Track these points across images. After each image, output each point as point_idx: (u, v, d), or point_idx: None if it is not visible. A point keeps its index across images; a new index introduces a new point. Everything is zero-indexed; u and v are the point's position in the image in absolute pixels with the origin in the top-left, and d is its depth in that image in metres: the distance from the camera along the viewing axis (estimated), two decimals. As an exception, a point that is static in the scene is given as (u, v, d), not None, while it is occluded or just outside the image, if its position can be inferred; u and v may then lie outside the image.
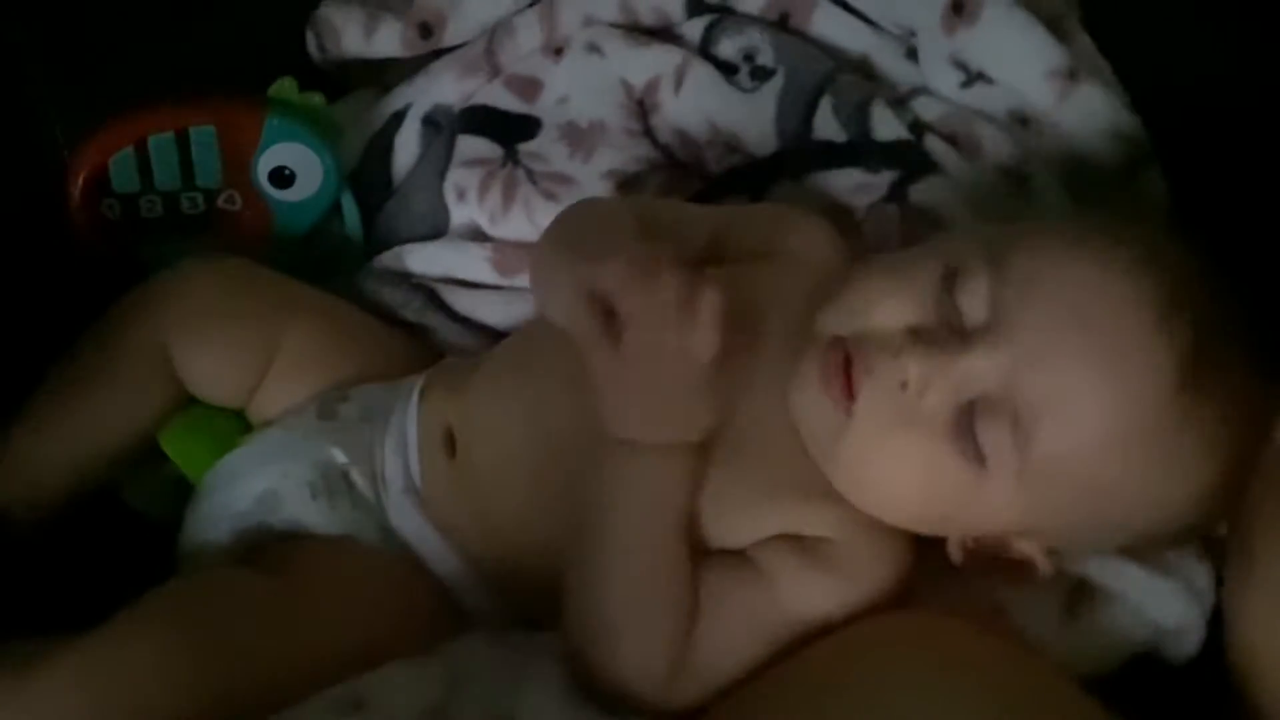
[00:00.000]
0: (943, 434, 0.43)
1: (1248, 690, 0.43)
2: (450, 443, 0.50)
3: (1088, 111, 0.54)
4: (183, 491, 0.53)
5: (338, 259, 0.61)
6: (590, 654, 0.44)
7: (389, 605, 0.48)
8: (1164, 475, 0.43)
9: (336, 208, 0.60)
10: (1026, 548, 0.45)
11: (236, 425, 0.55)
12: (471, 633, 0.47)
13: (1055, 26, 0.55)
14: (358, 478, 0.51)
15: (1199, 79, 0.54)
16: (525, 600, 0.49)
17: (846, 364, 0.44)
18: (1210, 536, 0.48)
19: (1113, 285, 0.42)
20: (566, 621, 0.45)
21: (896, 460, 0.44)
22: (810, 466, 0.46)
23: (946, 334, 0.43)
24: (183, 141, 0.57)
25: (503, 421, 0.50)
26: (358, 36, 0.62)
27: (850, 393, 0.44)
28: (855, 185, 0.55)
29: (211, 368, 0.54)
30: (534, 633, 0.47)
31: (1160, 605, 0.47)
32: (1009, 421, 0.42)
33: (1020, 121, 0.56)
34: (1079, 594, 0.47)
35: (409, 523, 0.50)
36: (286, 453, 0.51)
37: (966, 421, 0.43)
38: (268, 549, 0.49)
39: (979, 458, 0.43)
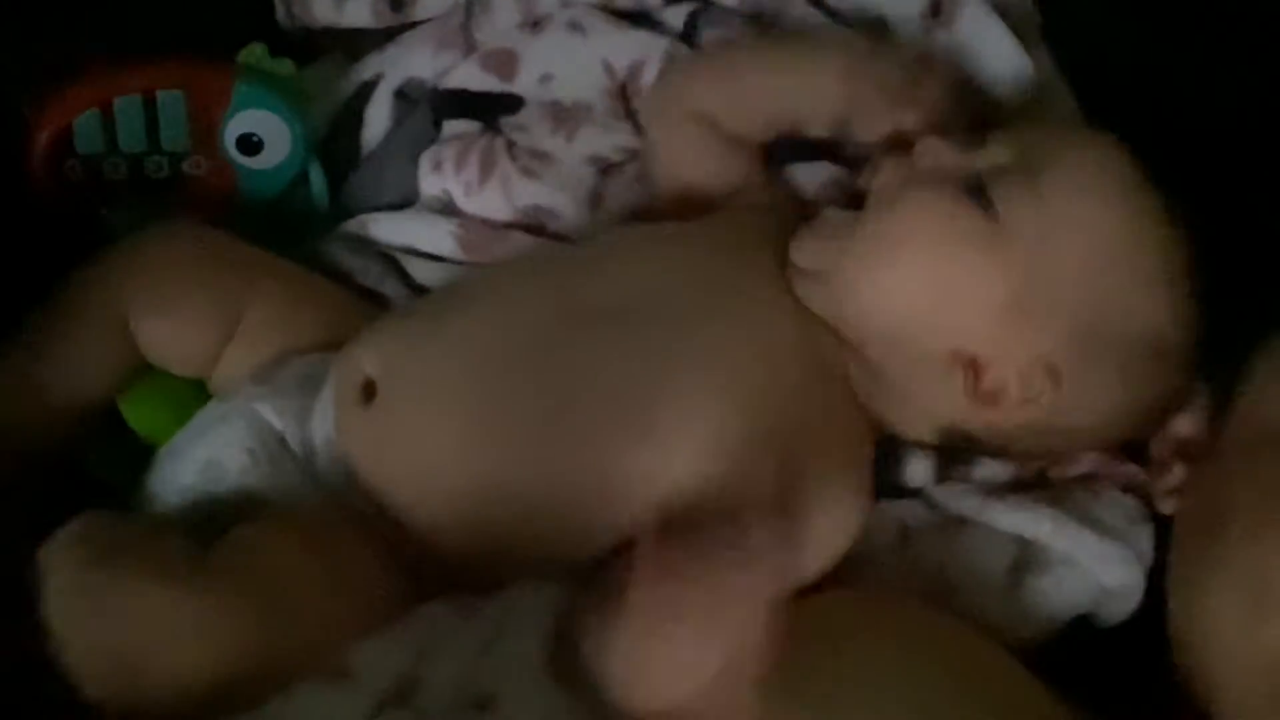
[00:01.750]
0: (954, 187, 0.47)
1: (1181, 657, 0.46)
2: (368, 392, 0.49)
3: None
4: (147, 460, 0.53)
5: (302, 227, 0.60)
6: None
7: (358, 569, 0.48)
8: (1141, 307, 0.48)
9: (303, 176, 0.60)
10: (1021, 379, 0.48)
11: (197, 392, 0.54)
12: (432, 603, 0.47)
13: (1019, 35, 0.56)
14: (292, 443, 0.50)
15: (1152, 94, 0.56)
16: (460, 560, 0.48)
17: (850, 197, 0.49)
18: (1151, 503, 0.51)
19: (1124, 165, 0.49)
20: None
21: (909, 221, 0.47)
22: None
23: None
24: (150, 104, 0.56)
25: (432, 368, 0.49)
26: (328, 5, 0.62)
27: (861, 202, 0.49)
28: (829, 179, 0.56)
29: (171, 337, 0.53)
30: (493, 598, 0.46)
31: (1106, 568, 0.49)
32: (1022, 177, 0.47)
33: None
34: (1023, 559, 0.49)
35: (339, 485, 0.49)
36: (222, 420, 0.51)
37: (978, 182, 0.48)
38: (249, 522, 0.48)
39: (991, 205, 0.47)
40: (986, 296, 0.48)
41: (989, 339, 0.48)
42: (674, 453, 0.46)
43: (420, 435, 0.48)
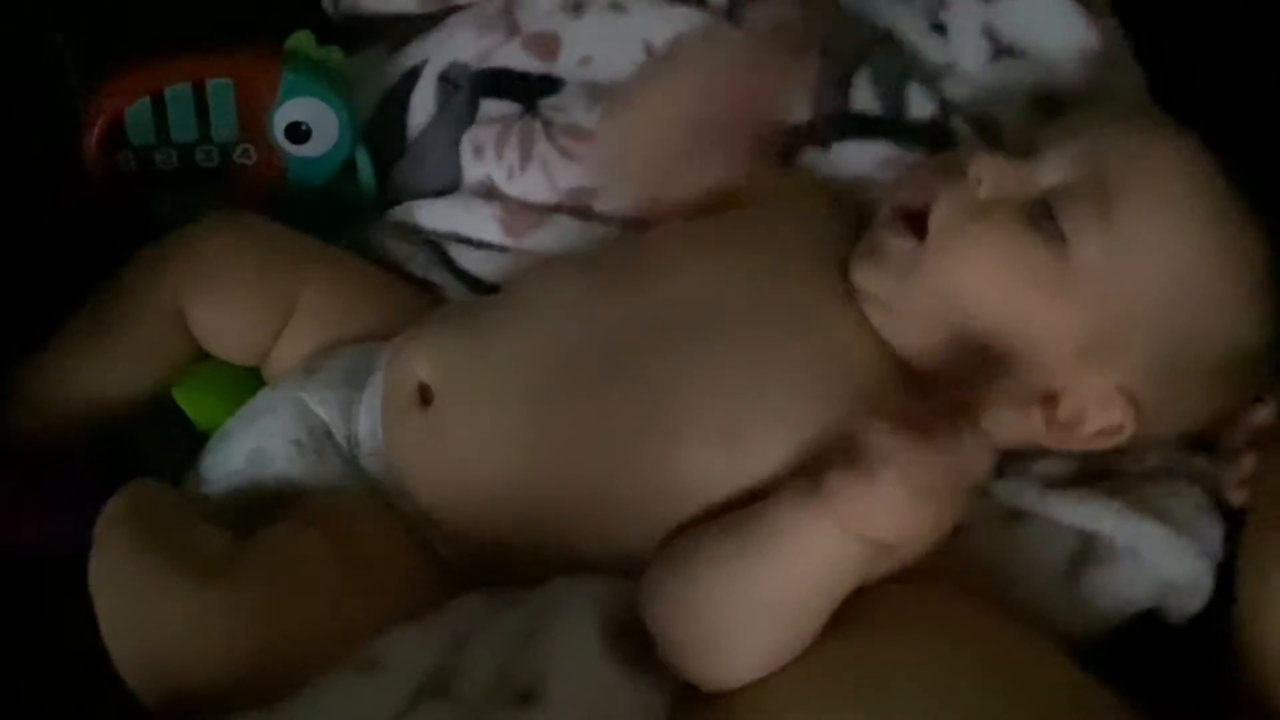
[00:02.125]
0: (1019, 218, 0.45)
1: (1248, 654, 0.44)
2: (423, 397, 0.50)
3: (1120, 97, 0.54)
4: (196, 445, 0.54)
5: (350, 214, 0.61)
6: (684, 654, 0.43)
7: (389, 558, 0.48)
8: (1225, 326, 0.46)
9: (350, 163, 0.60)
10: (1100, 409, 0.46)
11: (251, 380, 0.55)
12: (469, 594, 0.47)
13: (1086, 4, 0.54)
14: (337, 437, 0.51)
15: (1225, 67, 0.53)
16: (494, 560, 0.48)
17: (908, 218, 0.46)
18: (1220, 495, 0.49)
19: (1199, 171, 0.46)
20: (657, 608, 0.43)
21: (975, 261, 0.45)
22: None
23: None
24: (199, 94, 0.57)
25: (492, 376, 0.49)
26: (374, -9, 0.62)
27: (921, 227, 0.46)
28: (882, 159, 0.54)
29: (225, 327, 0.54)
30: (533, 590, 0.46)
31: (1172, 561, 0.47)
32: (1090, 199, 0.45)
33: (1041, 102, 0.55)
34: (1084, 552, 0.48)
35: (384, 480, 0.50)
36: (271, 410, 0.51)
37: (1043, 208, 0.45)
38: (292, 512, 0.49)
39: (1059, 237, 0.45)
40: (1060, 334, 0.46)
41: (1063, 373, 0.46)
42: (756, 455, 0.45)
43: (479, 442, 0.48)
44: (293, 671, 0.42)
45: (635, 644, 0.44)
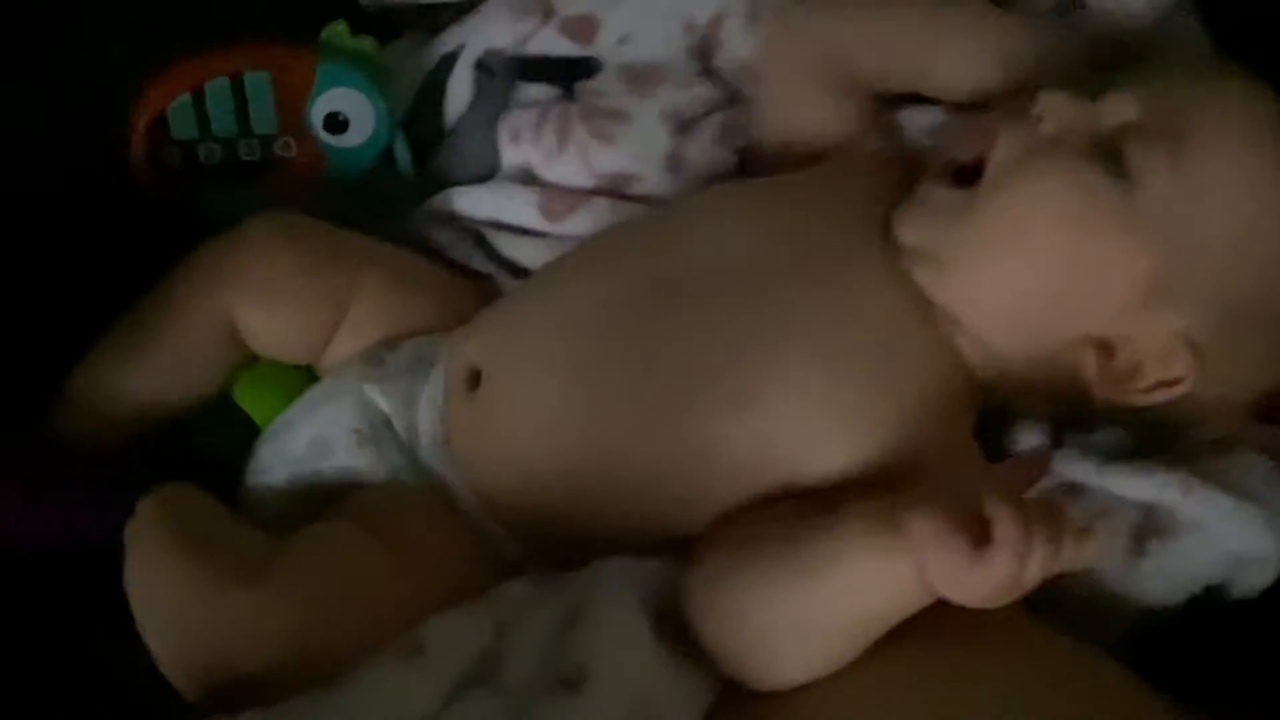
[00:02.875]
0: (1087, 154, 0.43)
1: None
2: (474, 379, 0.50)
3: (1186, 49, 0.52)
4: (251, 439, 0.54)
5: (391, 203, 0.61)
6: (729, 657, 0.42)
7: (442, 552, 0.48)
8: None
9: (389, 152, 0.60)
10: (1159, 360, 0.44)
11: (306, 376, 0.55)
12: (513, 580, 0.47)
13: None
14: (398, 427, 0.51)
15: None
16: (547, 544, 0.48)
17: (959, 172, 0.45)
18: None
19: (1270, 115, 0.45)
20: (704, 611, 0.43)
21: (1038, 198, 0.43)
22: None
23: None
24: (238, 88, 0.57)
25: (529, 350, 0.49)
26: (407, -21, 0.62)
27: (973, 180, 0.44)
28: (940, 122, 0.53)
29: (279, 332, 0.54)
30: (574, 573, 0.46)
31: (1240, 532, 0.45)
32: (1160, 137, 0.43)
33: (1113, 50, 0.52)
34: (1146, 525, 0.46)
35: (441, 472, 0.50)
36: (333, 399, 0.52)
37: (1109, 144, 0.43)
38: (347, 503, 0.49)
39: (1127, 175, 0.43)
40: (1125, 277, 0.44)
41: (1125, 321, 0.45)
42: (778, 421, 0.44)
43: (519, 417, 0.48)
44: (338, 665, 0.42)
45: (680, 628, 0.43)
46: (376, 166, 0.60)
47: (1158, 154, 0.43)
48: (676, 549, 0.45)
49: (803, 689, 0.41)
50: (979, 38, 0.50)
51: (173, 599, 0.44)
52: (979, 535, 0.37)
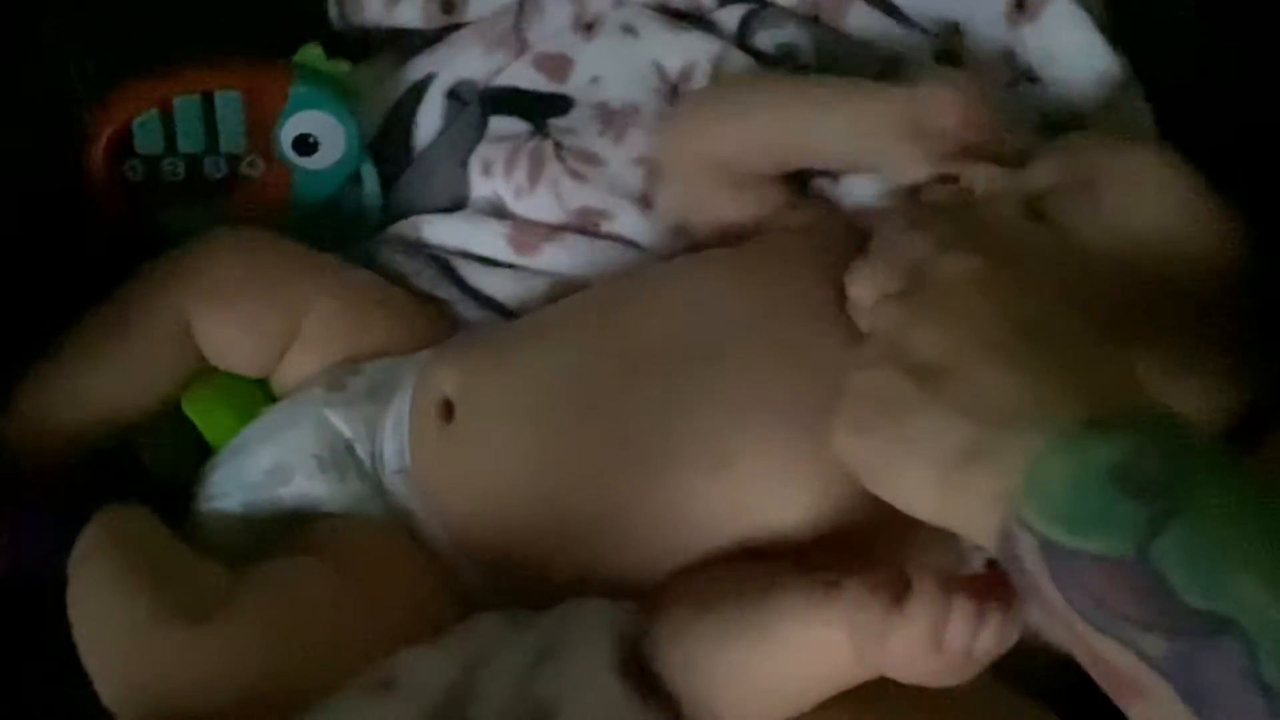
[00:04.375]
0: (1018, 208, 0.46)
1: None
2: (446, 413, 0.50)
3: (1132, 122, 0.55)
4: (202, 457, 0.54)
5: (355, 227, 0.61)
6: (696, 707, 0.43)
7: (405, 585, 0.48)
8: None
9: (355, 175, 0.60)
10: None
11: (259, 392, 0.55)
12: (483, 614, 0.47)
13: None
14: (360, 453, 0.51)
15: (1224, 98, 0.54)
16: (510, 581, 0.49)
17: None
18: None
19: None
20: (662, 659, 0.44)
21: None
22: None
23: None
24: (208, 105, 0.56)
25: (509, 397, 0.49)
26: (379, 6, 0.62)
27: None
28: (887, 190, 0.54)
29: (232, 342, 0.54)
30: (547, 612, 0.47)
31: None
32: (1078, 192, 0.46)
33: (1060, 126, 0.55)
34: None
35: (405, 500, 0.50)
36: (294, 424, 0.52)
37: (1037, 203, 0.46)
38: (306, 532, 0.49)
39: (1057, 227, 0.46)
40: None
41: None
42: (748, 483, 0.46)
43: (492, 459, 0.49)
44: (295, 706, 0.42)
45: (643, 670, 0.44)
46: (343, 189, 0.60)
47: (1079, 205, 0.46)
48: (638, 592, 0.46)
49: None
50: (849, 111, 0.51)
51: (120, 633, 0.43)
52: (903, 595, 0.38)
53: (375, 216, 0.61)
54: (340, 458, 0.51)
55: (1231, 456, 0.33)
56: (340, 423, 0.51)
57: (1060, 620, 0.33)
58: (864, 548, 0.43)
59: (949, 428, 0.36)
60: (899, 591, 0.38)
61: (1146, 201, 0.46)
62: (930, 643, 0.37)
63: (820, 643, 0.40)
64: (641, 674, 0.44)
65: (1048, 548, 0.33)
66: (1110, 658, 0.31)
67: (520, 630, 0.46)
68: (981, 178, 0.49)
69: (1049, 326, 0.37)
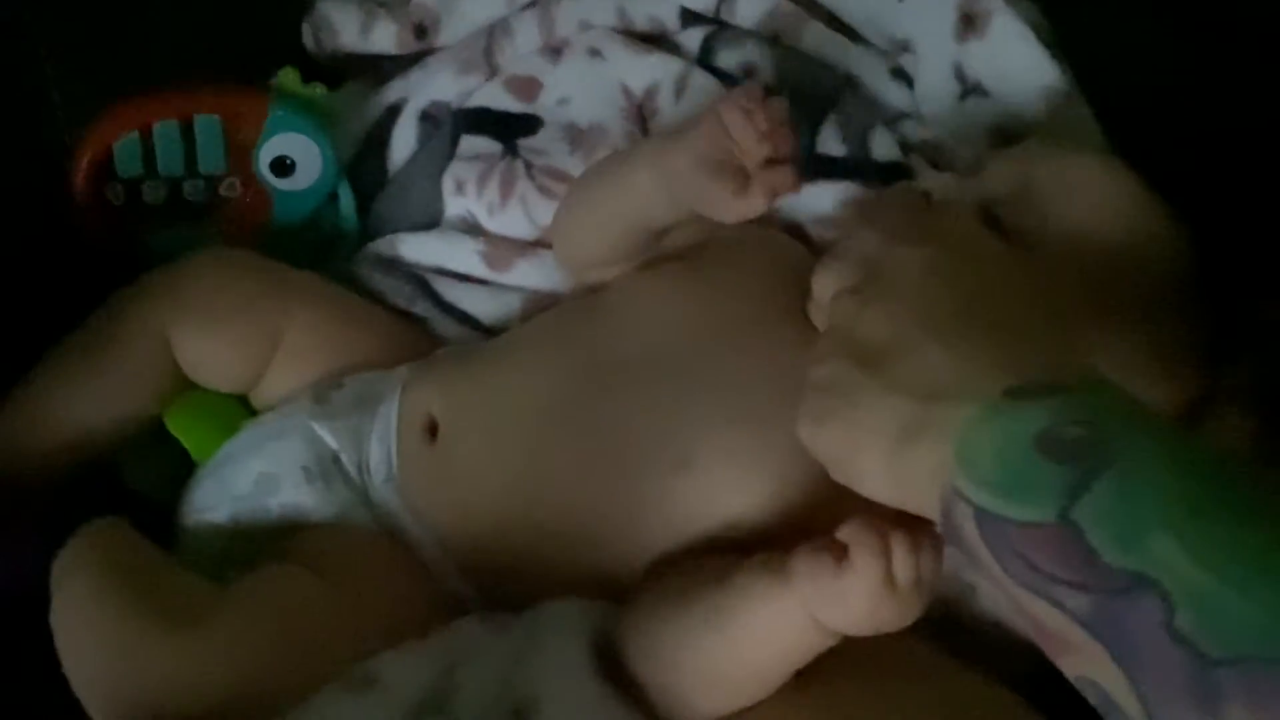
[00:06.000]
0: (972, 212, 0.47)
1: None
2: (431, 430, 0.52)
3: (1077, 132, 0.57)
4: (183, 473, 0.55)
5: (332, 246, 0.62)
6: (666, 697, 0.44)
7: (390, 590, 0.49)
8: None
9: (332, 196, 0.62)
10: None
11: (241, 408, 0.56)
12: (464, 617, 0.48)
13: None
14: (347, 464, 0.52)
15: (1164, 107, 0.56)
16: (498, 587, 0.50)
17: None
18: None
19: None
20: (631, 650, 0.45)
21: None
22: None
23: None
24: (187, 129, 0.58)
25: (489, 416, 0.51)
26: (353, 33, 0.64)
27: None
28: (847, 198, 0.56)
29: (211, 358, 0.55)
30: (524, 613, 0.48)
31: None
32: (1024, 200, 0.47)
33: (1003, 139, 0.57)
34: None
35: (393, 510, 0.51)
36: (281, 436, 0.53)
37: (988, 209, 0.47)
38: (294, 541, 0.50)
39: (1007, 232, 0.46)
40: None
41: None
42: (707, 480, 0.47)
43: (475, 475, 0.51)
44: (283, 706, 0.43)
45: (618, 665, 0.45)
46: (320, 210, 0.62)
47: (1024, 213, 0.48)
48: (619, 592, 0.48)
49: None
50: (625, 173, 0.50)
51: (103, 645, 0.43)
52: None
53: (353, 236, 0.62)
54: (327, 468, 0.52)
55: (1151, 419, 0.35)
56: (326, 434, 0.53)
57: (998, 585, 0.34)
58: (825, 533, 0.44)
59: (892, 406, 0.37)
60: (838, 552, 0.40)
61: (1090, 209, 0.48)
62: (885, 586, 0.39)
63: (778, 620, 0.41)
64: (619, 670, 0.45)
65: (980, 515, 0.34)
66: (1043, 618, 0.33)
67: (499, 632, 0.47)
68: (936, 186, 0.51)
69: (988, 307, 0.39)
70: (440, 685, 0.44)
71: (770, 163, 0.44)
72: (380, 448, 0.52)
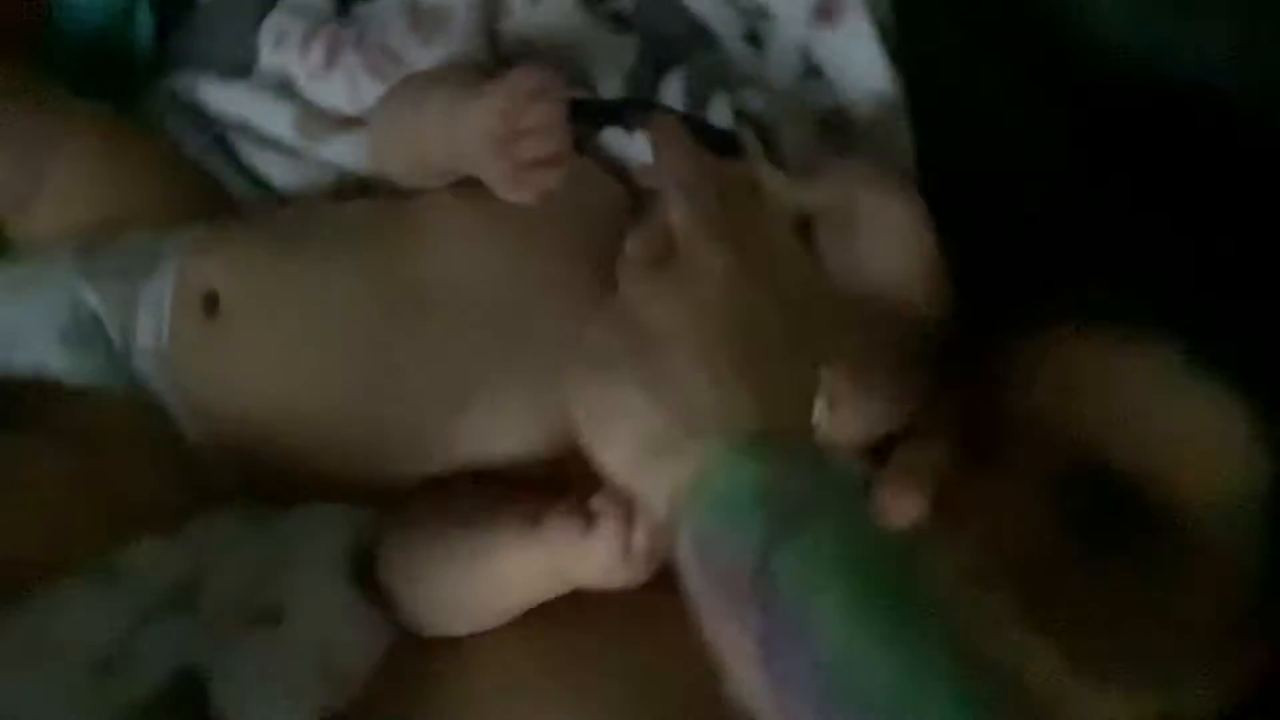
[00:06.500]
0: (790, 221, 0.49)
1: None
2: (210, 304, 0.49)
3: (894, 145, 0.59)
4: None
5: (122, 73, 0.56)
6: (415, 612, 0.47)
7: (143, 472, 0.48)
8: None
9: (127, 12, 0.55)
10: None
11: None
12: (220, 510, 0.48)
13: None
14: (109, 328, 0.49)
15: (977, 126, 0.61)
16: (259, 474, 0.49)
17: None
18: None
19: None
20: (387, 571, 0.47)
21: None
22: None
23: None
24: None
25: (278, 304, 0.49)
26: None
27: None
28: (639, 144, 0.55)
29: None
30: (287, 512, 0.48)
31: None
32: (837, 224, 0.50)
33: (834, 127, 0.59)
34: None
35: (154, 384, 0.49)
36: (41, 288, 0.49)
37: (805, 222, 0.50)
38: (38, 406, 0.47)
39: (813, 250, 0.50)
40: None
41: None
42: (483, 424, 0.49)
43: (255, 360, 0.49)
44: (19, 582, 0.41)
45: (370, 576, 0.47)
46: (110, 27, 0.55)
47: (833, 237, 0.50)
48: (386, 505, 0.49)
49: (464, 640, 0.47)
50: (444, 118, 0.48)
51: None
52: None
53: (147, 65, 0.56)
54: (86, 330, 0.49)
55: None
56: (90, 294, 0.49)
57: (699, 597, 0.39)
58: (591, 478, 0.47)
59: (646, 412, 0.40)
60: (587, 519, 0.44)
61: (896, 253, 0.52)
62: (621, 555, 0.44)
63: (526, 567, 0.45)
64: (365, 579, 0.47)
65: (697, 542, 0.38)
66: (728, 639, 0.38)
67: (256, 529, 0.47)
68: (768, 179, 0.53)
69: (762, 339, 0.42)
70: (183, 583, 0.44)
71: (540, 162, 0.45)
72: (150, 318, 0.49)
